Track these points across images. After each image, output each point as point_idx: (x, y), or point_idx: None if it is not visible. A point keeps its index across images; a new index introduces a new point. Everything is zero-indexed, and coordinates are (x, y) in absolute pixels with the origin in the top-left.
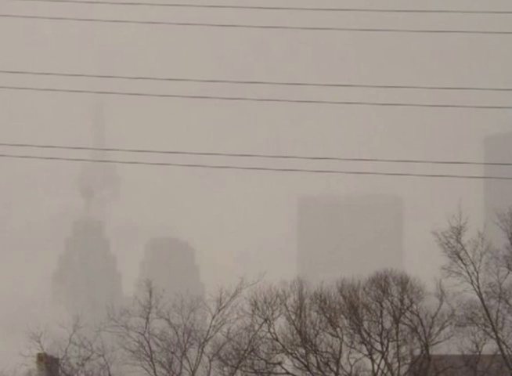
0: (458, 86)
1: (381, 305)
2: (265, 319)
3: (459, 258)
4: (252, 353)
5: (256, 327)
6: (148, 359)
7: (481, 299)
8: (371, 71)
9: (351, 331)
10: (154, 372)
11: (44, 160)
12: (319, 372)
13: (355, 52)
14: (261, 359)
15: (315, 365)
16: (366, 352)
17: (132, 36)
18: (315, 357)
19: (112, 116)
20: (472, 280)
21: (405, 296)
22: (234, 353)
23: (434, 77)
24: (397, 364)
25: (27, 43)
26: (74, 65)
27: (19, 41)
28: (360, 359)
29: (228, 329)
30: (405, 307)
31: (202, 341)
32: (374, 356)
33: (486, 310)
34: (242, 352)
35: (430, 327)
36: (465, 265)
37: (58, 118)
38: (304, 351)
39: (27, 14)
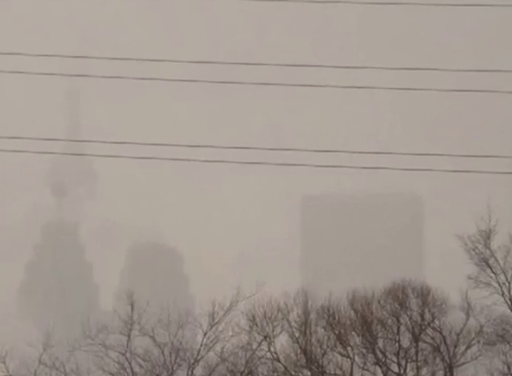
0: (484, 68)
1: (398, 321)
2: (265, 337)
3: (488, 266)
4: None
5: (254, 346)
6: None
7: None
8: (384, 51)
9: (364, 351)
10: None
11: (9, 153)
12: None
13: (365, 29)
14: None
15: None
16: (381, 375)
17: (113, 11)
18: None
19: (88, 102)
20: (503, 292)
21: (426, 310)
22: None
23: (456, 58)
24: None
25: None
26: (46, 44)
27: None
28: None
29: (222, 348)
30: (425, 323)
31: (192, 361)
32: None
33: None
34: (238, 374)
35: (455, 346)
36: (495, 274)
37: (26, 105)
38: (309, 373)
39: None
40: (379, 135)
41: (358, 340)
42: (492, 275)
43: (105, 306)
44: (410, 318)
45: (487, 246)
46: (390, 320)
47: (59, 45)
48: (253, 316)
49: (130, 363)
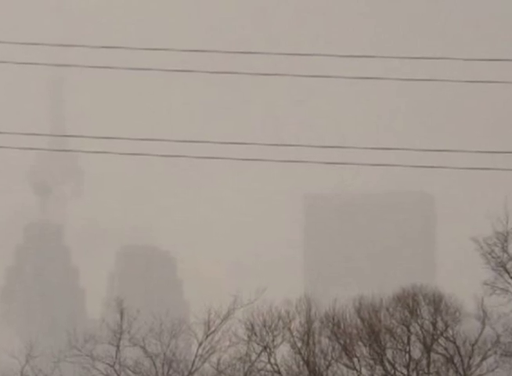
0: (499, 57)
1: (409, 330)
2: (265, 347)
3: (506, 271)
4: None
5: (253, 357)
6: None
7: None
8: (393, 40)
9: (372, 362)
10: None
11: None
12: None
13: (373, 16)
14: None
15: None
16: None
17: None
18: None
19: (74, 94)
20: None
21: (439, 318)
22: None
23: (470, 48)
24: None
25: None
26: (29, 32)
27: None
28: None
29: (219, 359)
30: (438, 332)
31: (186, 374)
32: None
33: None
34: None
35: (470, 357)
36: None
37: (8, 97)
38: None
39: None
40: (387, 130)
41: (365, 351)
42: (510, 280)
43: (92, 314)
44: (421, 327)
45: (504, 249)
46: (399, 329)
47: (46, 32)
48: (252, 325)
49: (119, 375)
